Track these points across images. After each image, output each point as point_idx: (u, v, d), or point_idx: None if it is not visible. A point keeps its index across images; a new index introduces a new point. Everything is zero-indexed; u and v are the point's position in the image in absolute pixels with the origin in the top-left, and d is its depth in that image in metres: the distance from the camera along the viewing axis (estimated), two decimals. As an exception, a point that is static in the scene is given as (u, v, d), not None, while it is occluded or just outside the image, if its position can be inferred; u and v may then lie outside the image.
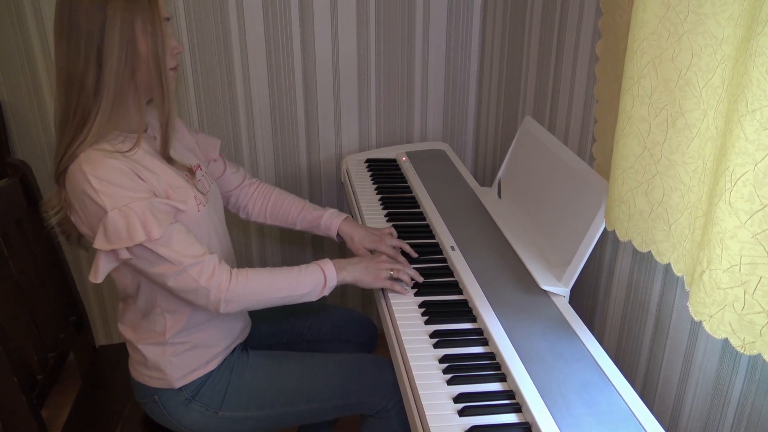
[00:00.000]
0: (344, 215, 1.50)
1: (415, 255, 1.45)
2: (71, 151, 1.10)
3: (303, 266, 1.27)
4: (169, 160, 1.22)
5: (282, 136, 2.04)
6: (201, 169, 1.32)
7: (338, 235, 1.49)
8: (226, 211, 1.47)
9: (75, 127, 1.11)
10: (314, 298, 1.26)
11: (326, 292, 1.27)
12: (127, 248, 1.10)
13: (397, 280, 1.34)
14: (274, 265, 2.16)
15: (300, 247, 2.20)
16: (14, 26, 1.77)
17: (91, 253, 1.15)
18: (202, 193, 1.25)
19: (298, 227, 1.52)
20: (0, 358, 1.17)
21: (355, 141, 2.11)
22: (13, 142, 1.89)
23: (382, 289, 1.35)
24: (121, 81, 1.11)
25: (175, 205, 1.15)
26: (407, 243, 1.48)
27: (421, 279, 1.35)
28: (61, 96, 1.12)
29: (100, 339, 2.16)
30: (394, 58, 2.04)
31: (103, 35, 1.08)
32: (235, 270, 1.19)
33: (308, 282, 1.24)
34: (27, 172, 1.40)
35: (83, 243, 1.22)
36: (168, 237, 1.12)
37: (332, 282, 1.27)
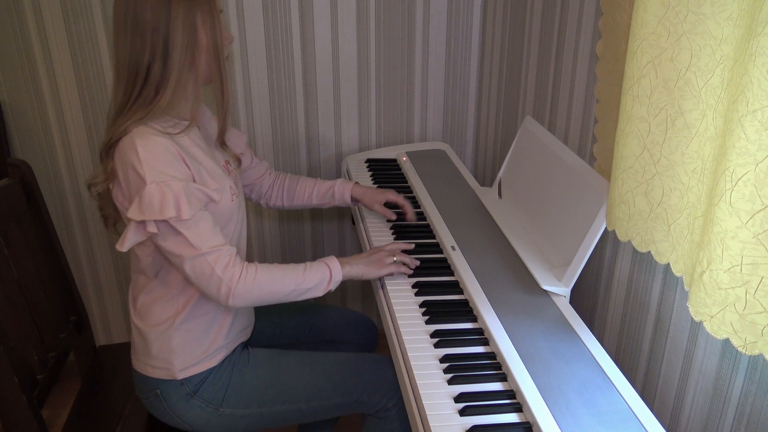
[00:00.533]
0: (354, 182, 1.65)
1: (408, 211, 1.60)
2: (125, 125, 1.16)
3: (309, 263, 1.29)
4: (223, 144, 1.33)
5: (282, 136, 2.04)
6: (231, 165, 1.38)
7: (352, 199, 1.62)
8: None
9: (135, 108, 1.17)
10: (321, 292, 1.28)
11: (332, 287, 1.29)
12: (155, 222, 1.14)
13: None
14: (272, 238, 2.18)
15: (299, 240, 2.20)
16: (14, 26, 1.77)
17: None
18: (236, 185, 1.31)
19: (314, 202, 1.63)
20: (0, 358, 1.17)
21: (355, 141, 2.11)
22: (13, 142, 1.89)
23: (383, 289, 1.35)
24: (183, 70, 1.18)
25: (209, 194, 1.19)
26: (407, 244, 1.50)
27: (416, 263, 1.40)
28: (122, 84, 1.18)
29: (100, 339, 2.16)
30: (394, 58, 2.04)
31: (168, 29, 1.14)
32: (246, 264, 1.22)
33: (314, 276, 1.27)
34: (27, 172, 1.40)
35: (118, 228, 1.27)
36: (195, 221, 1.16)
37: (338, 276, 1.29)
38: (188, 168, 1.18)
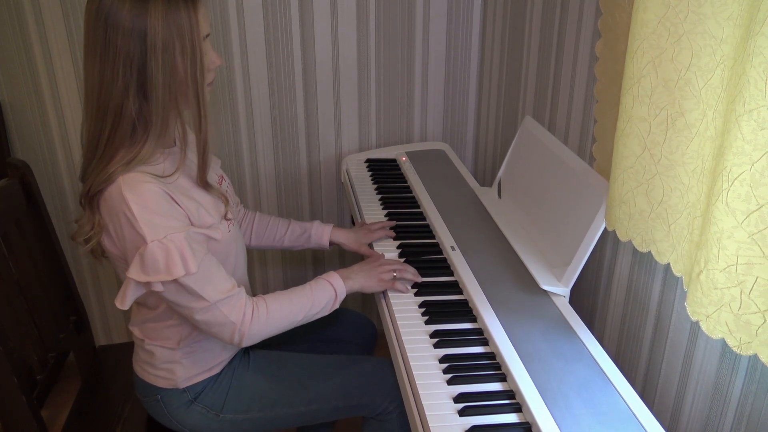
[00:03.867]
0: (331, 224, 1.54)
1: (392, 224, 1.56)
2: (108, 173, 1.05)
3: (312, 284, 1.27)
4: (206, 186, 1.18)
5: (282, 136, 2.04)
6: (225, 179, 1.33)
7: (330, 243, 1.53)
8: None
9: (112, 150, 1.07)
10: (327, 312, 1.27)
11: (337, 305, 1.28)
12: (162, 282, 1.07)
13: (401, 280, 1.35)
14: (276, 278, 2.18)
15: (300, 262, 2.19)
16: (14, 26, 1.77)
17: (108, 264, 1.12)
18: (231, 215, 1.24)
19: (286, 244, 1.53)
20: (0, 358, 1.17)
21: (355, 141, 2.11)
22: (13, 142, 1.89)
23: (375, 292, 1.35)
24: (167, 107, 1.07)
25: (208, 234, 1.13)
26: (408, 243, 1.52)
27: (419, 279, 1.36)
28: (92, 118, 1.07)
29: (100, 339, 2.16)
30: (394, 58, 2.04)
31: (145, 61, 1.02)
32: (255, 302, 1.18)
33: (321, 300, 1.25)
34: (27, 172, 1.40)
35: (107, 256, 1.19)
36: (203, 271, 1.09)
37: (342, 294, 1.28)
38: (183, 210, 1.10)
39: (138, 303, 1.25)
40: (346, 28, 1.96)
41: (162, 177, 1.09)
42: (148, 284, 1.08)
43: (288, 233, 1.52)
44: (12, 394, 1.20)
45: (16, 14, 1.76)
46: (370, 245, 1.52)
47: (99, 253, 1.18)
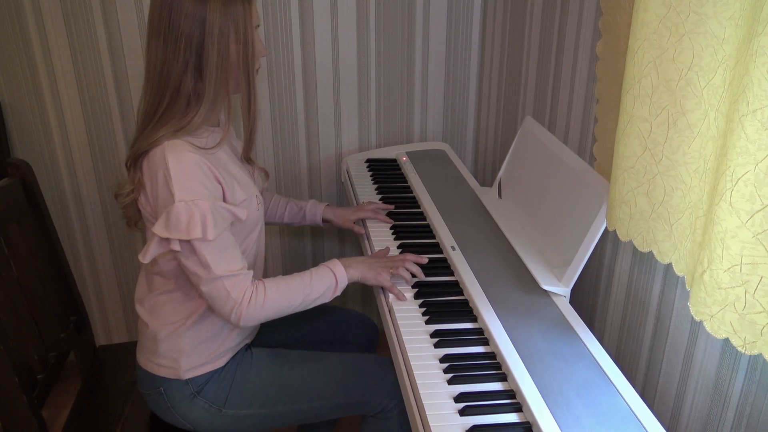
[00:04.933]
0: (325, 203, 1.65)
1: (391, 207, 1.65)
2: (156, 136, 1.15)
3: (313, 270, 1.29)
4: (249, 160, 1.33)
5: (282, 136, 2.04)
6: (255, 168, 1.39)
7: (324, 220, 1.63)
8: None
9: (164, 120, 1.16)
10: (328, 299, 1.29)
11: (338, 292, 1.29)
12: (179, 241, 1.14)
13: (400, 282, 1.35)
14: (276, 258, 2.18)
15: (299, 234, 2.20)
16: (14, 26, 1.77)
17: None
18: (261, 194, 1.32)
19: (285, 221, 1.63)
20: (0, 358, 1.17)
21: (355, 141, 2.11)
22: (13, 142, 1.89)
23: (383, 290, 1.35)
24: (218, 86, 1.17)
25: (236, 213, 1.19)
26: (408, 243, 1.51)
27: (422, 276, 1.36)
28: (151, 93, 1.17)
29: (100, 339, 2.16)
30: (394, 58, 2.04)
31: (203, 42, 1.13)
32: (256, 285, 1.21)
33: (321, 285, 1.27)
34: (27, 172, 1.40)
35: (140, 226, 1.28)
36: (218, 243, 1.16)
37: (343, 282, 1.29)
38: (220, 184, 1.18)
39: (157, 272, 1.28)
40: (346, 28, 1.96)
41: (204, 149, 1.18)
42: (167, 241, 1.14)
43: (286, 212, 1.62)
44: (12, 394, 1.20)
45: (16, 14, 1.76)
46: (364, 226, 1.61)
47: (133, 219, 1.27)
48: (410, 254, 1.39)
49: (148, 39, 1.17)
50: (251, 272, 1.21)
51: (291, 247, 2.20)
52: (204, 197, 1.13)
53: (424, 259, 1.39)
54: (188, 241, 1.14)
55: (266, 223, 1.58)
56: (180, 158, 1.13)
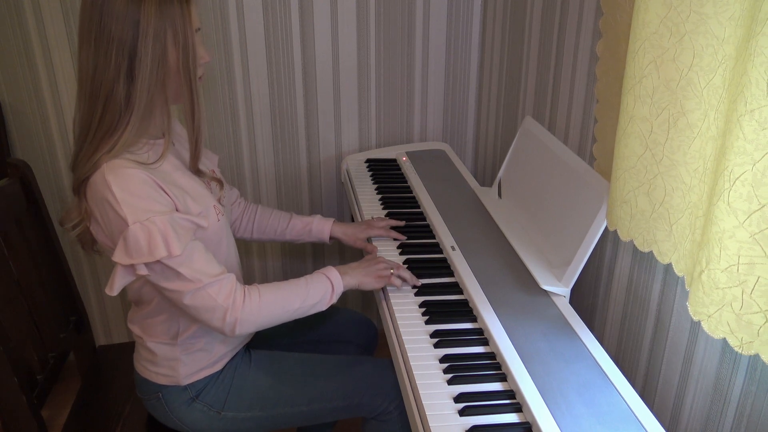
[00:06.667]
0: (332, 219, 1.56)
1: (402, 223, 1.57)
2: (94, 160, 1.08)
3: (308, 277, 1.26)
4: (198, 172, 1.22)
5: (282, 136, 2.04)
6: (215, 173, 1.32)
7: (330, 237, 1.55)
8: None
9: (99, 136, 1.09)
10: (324, 306, 1.25)
11: (335, 300, 1.27)
12: (146, 264, 1.08)
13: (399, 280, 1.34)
14: (275, 270, 2.18)
15: (300, 254, 2.20)
16: (14, 26, 1.77)
17: (106, 260, 1.13)
18: (221, 204, 1.25)
19: (287, 237, 1.54)
20: (0, 358, 1.17)
21: (355, 141, 2.11)
22: (13, 142, 1.89)
23: (383, 290, 1.35)
24: (153, 93, 1.09)
25: (196, 222, 1.13)
26: (408, 243, 1.52)
27: (418, 283, 1.35)
28: (84, 104, 1.10)
29: (100, 339, 2.16)
30: (394, 57, 2.04)
31: (136, 45, 1.05)
32: (247, 288, 1.17)
33: (317, 292, 1.24)
34: (27, 172, 1.40)
35: (98, 249, 1.21)
36: (188, 254, 1.10)
37: (339, 288, 1.27)
38: (169, 196, 1.11)
39: (135, 300, 1.26)
40: (346, 28, 1.96)
41: (146, 164, 1.11)
42: (132, 267, 1.09)
43: (289, 227, 1.53)
44: (12, 394, 1.20)
45: (16, 14, 1.76)
46: (370, 240, 1.53)
47: (89, 244, 1.19)
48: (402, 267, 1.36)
49: (78, 46, 1.09)
50: (233, 274, 1.16)
51: (293, 268, 2.21)
52: (158, 212, 1.07)
53: (418, 282, 1.35)
54: (157, 262, 1.08)
55: (266, 240, 1.55)
56: (122, 178, 1.06)
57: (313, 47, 1.95)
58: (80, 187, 1.11)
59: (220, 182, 1.29)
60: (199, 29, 1.14)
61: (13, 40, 1.78)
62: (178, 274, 1.10)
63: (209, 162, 1.36)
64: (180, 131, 1.32)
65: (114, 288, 1.11)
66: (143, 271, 1.09)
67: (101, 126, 1.09)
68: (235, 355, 1.33)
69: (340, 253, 2.22)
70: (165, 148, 1.15)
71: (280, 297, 1.20)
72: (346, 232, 1.54)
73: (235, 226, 1.52)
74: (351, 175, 1.91)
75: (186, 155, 1.24)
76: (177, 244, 1.07)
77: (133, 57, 1.06)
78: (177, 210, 1.11)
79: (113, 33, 1.04)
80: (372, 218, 1.60)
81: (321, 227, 1.54)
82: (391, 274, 1.33)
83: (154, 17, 1.05)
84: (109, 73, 1.06)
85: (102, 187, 1.07)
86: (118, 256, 1.08)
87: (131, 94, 1.08)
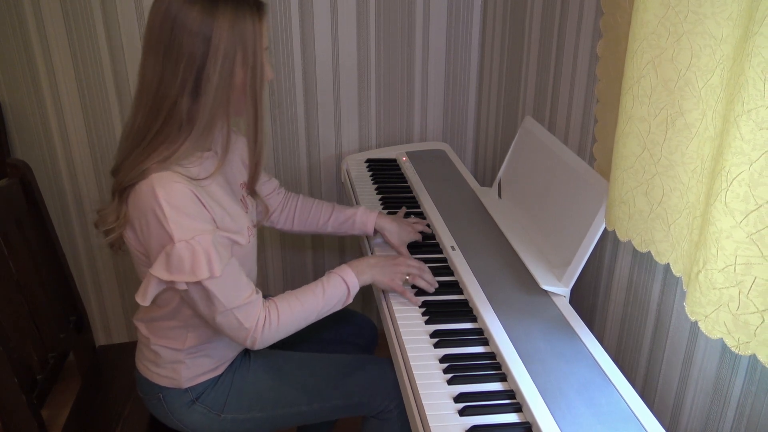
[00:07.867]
0: (376, 211, 1.52)
1: (428, 230, 1.54)
2: (142, 168, 1.06)
3: (324, 280, 1.25)
4: (254, 193, 1.24)
5: (282, 135, 2.04)
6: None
7: (374, 230, 1.51)
8: None
9: (154, 146, 1.08)
10: (340, 307, 1.26)
11: (350, 300, 1.27)
12: (186, 282, 1.08)
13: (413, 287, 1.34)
14: (275, 262, 2.18)
15: (300, 247, 2.20)
16: (14, 26, 1.77)
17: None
18: (253, 224, 1.25)
19: (329, 230, 1.51)
20: (0, 358, 1.17)
21: (355, 141, 2.11)
22: (13, 142, 1.89)
23: (383, 290, 1.35)
24: (215, 110, 1.08)
25: (234, 239, 1.14)
26: (409, 244, 1.52)
27: (436, 285, 1.34)
28: (143, 113, 1.08)
29: (100, 339, 2.16)
30: (394, 58, 2.04)
31: (205, 62, 1.04)
32: (268, 308, 1.17)
33: (333, 297, 1.24)
34: (27, 172, 1.40)
35: (125, 249, 1.19)
36: (226, 276, 1.10)
37: (355, 289, 1.26)
38: (209, 213, 1.10)
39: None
40: (346, 28, 1.96)
41: (194, 179, 1.10)
42: (171, 283, 1.08)
43: (332, 220, 1.50)
44: (12, 394, 1.20)
45: (16, 14, 1.76)
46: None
47: (117, 246, 1.18)
48: (425, 265, 1.35)
49: (144, 54, 1.07)
50: (260, 296, 1.17)
51: (292, 261, 2.21)
52: (202, 231, 1.06)
53: (434, 287, 1.33)
54: (197, 283, 1.08)
55: (307, 232, 1.53)
56: (171, 193, 1.05)
57: (313, 47, 1.95)
58: (123, 192, 1.10)
59: (266, 207, 1.33)
60: (267, 48, 1.13)
61: (13, 40, 1.78)
62: (212, 296, 1.10)
63: (264, 187, 1.39)
64: (236, 142, 1.30)
65: (147, 298, 1.11)
66: (182, 287, 1.09)
67: (158, 137, 1.08)
68: (234, 358, 1.33)
69: (339, 248, 2.22)
70: (218, 166, 1.14)
71: (298, 311, 1.20)
72: (392, 232, 1.48)
73: (275, 217, 1.50)
74: (351, 175, 1.91)
75: (228, 170, 1.24)
76: (218, 265, 1.07)
77: (201, 73, 1.05)
78: (217, 227, 1.11)
79: (184, 47, 1.03)
80: (411, 216, 1.57)
81: (364, 220, 1.49)
82: (406, 280, 1.31)
83: (227, 34, 1.04)
84: (174, 87, 1.05)
85: (149, 198, 1.05)
86: (158, 271, 1.07)
87: (194, 110, 1.07)
